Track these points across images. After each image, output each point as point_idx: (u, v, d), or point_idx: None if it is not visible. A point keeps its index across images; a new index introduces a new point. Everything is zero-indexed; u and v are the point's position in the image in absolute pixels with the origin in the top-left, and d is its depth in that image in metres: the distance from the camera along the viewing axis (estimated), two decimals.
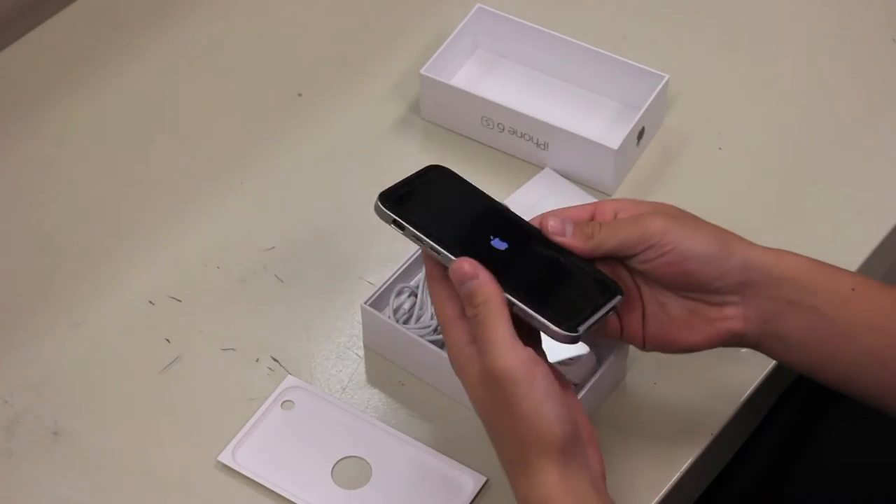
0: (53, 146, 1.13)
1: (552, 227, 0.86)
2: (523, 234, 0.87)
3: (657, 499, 0.93)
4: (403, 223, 0.86)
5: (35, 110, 1.16)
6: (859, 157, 1.13)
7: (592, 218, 0.89)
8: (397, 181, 0.88)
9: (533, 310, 0.82)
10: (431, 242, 0.85)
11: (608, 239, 0.86)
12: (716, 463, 1.02)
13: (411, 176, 0.89)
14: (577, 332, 0.82)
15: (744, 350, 0.98)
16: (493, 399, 0.81)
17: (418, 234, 0.85)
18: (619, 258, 0.87)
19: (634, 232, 0.86)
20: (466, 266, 0.82)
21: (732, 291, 0.87)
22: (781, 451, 1.07)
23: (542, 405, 0.80)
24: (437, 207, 0.87)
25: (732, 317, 0.87)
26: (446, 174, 0.90)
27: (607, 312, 0.85)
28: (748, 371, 0.99)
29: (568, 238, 0.86)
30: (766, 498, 1.06)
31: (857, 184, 1.11)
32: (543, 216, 0.87)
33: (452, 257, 0.84)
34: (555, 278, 0.86)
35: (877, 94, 1.18)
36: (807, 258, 0.88)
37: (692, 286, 0.87)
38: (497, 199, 0.89)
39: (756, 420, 1.05)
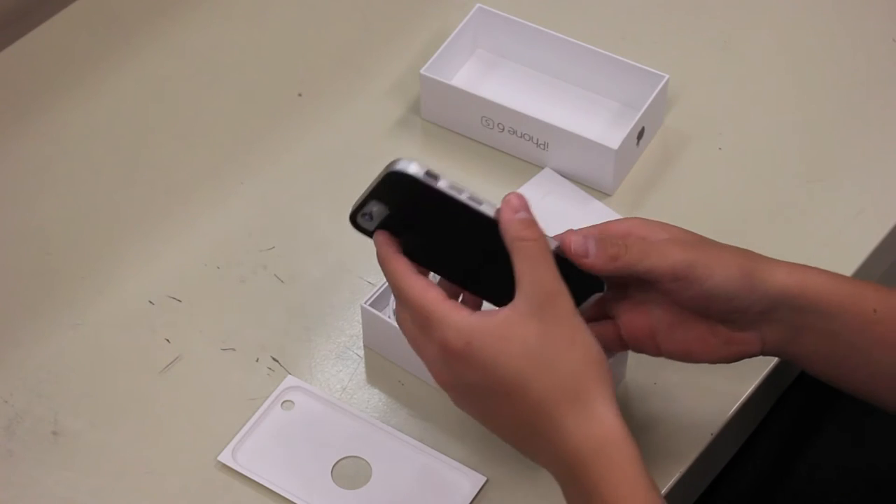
0: (53, 146, 1.13)
1: (576, 248, 0.84)
2: (487, 245, 0.82)
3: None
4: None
5: (35, 110, 1.16)
6: (859, 158, 1.13)
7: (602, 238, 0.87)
8: (360, 197, 0.84)
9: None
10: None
11: (635, 264, 0.84)
12: (716, 463, 1.02)
13: (374, 187, 0.83)
14: None
15: None
16: (542, 332, 0.78)
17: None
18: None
19: (660, 264, 0.84)
20: (521, 199, 0.80)
21: (752, 321, 0.86)
22: (781, 451, 1.07)
23: (584, 327, 0.79)
24: (404, 220, 0.83)
25: (751, 340, 0.87)
26: (407, 183, 0.82)
27: (585, 307, 0.85)
28: (748, 371, 0.99)
29: (592, 259, 0.84)
30: (766, 498, 1.06)
31: (856, 184, 1.11)
32: (564, 237, 0.84)
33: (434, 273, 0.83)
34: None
35: (877, 94, 1.18)
36: (829, 277, 0.87)
37: (714, 317, 0.87)
38: (464, 196, 0.83)
39: (756, 420, 1.05)
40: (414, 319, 0.81)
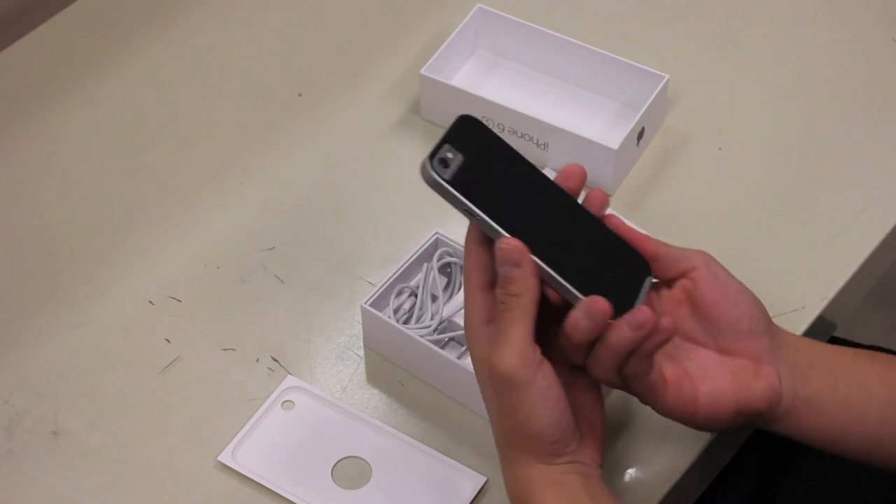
0: (53, 146, 1.13)
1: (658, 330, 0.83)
2: (559, 201, 0.84)
3: (657, 499, 0.93)
4: (456, 194, 0.81)
5: (35, 110, 1.16)
6: (859, 158, 1.13)
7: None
8: (437, 140, 0.82)
9: (577, 290, 0.82)
10: (482, 215, 0.81)
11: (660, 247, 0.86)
12: (716, 463, 1.02)
13: (448, 132, 0.82)
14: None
15: None
16: (491, 387, 0.82)
17: (469, 204, 0.81)
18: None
19: (677, 253, 0.86)
20: (514, 251, 0.80)
21: (768, 351, 0.87)
22: (782, 451, 1.07)
23: (533, 410, 0.81)
24: (479, 171, 0.82)
25: (769, 374, 0.87)
26: (478, 128, 0.83)
27: (643, 293, 0.84)
28: None
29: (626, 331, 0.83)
30: (767, 498, 1.06)
31: (856, 184, 1.11)
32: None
33: (503, 232, 0.81)
34: (590, 252, 0.83)
35: (877, 94, 1.18)
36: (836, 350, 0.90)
37: (724, 319, 0.87)
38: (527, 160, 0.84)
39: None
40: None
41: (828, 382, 0.87)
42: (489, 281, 0.83)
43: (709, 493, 1.03)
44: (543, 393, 0.80)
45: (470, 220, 0.82)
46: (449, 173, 0.81)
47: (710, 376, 0.85)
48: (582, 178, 0.84)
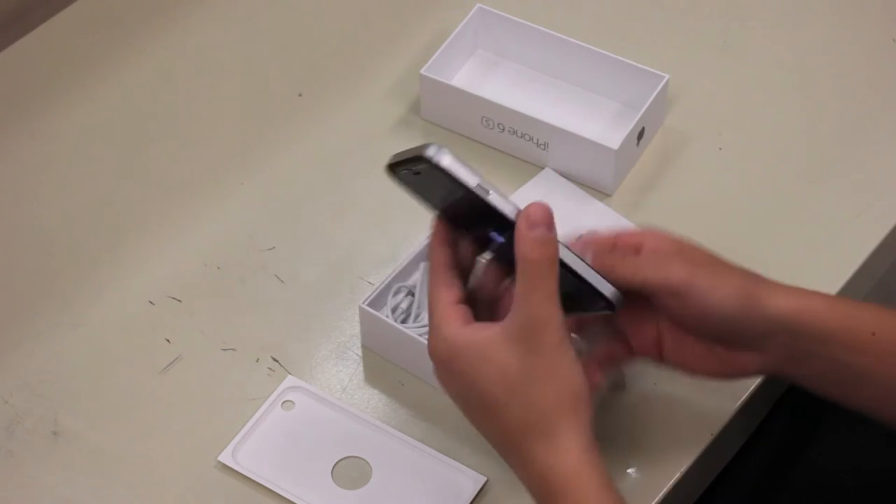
0: (53, 146, 1.13)
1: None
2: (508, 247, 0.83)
3: (657, 499, 0.93)
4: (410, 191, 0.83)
5: (35, 110, 1.16)
6: (859, 158, 1.13)
7: (614, 246, 0.87)
8: (405, 151, 0.84)
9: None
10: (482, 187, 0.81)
11: (630, 277, 0.84)
12: (716, 463, 1.02)
13: (411, 155, 0.83)
14: None
15: None
16: (522, 366, 0.79)
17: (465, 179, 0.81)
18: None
19: (656, 277, 0.85)
20: (544, 212, 0.79)
21: (748, 344, 0.87)
22: (782, 451, 1.07)
23: (573, 365, 0.79)
24: (439, 193, 0.83)
25: (748, 361, 0.88)
26: (436, 169, 0.83)
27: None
28: None
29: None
30: (767, 498, 1.06)
31: (856, 184, 1.11)
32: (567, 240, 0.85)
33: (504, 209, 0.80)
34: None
35: (877, 94, 1.18)
36: (827, 301, 0.87)
37: (709, 338, 0.87)
38: (490, 193, 0.83)
39: (756, 420, 1.05)
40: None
41: (818, 367, 0.87)
42: (457, 296, 0.82)
43: (709, 493, 1.03)
44: (570, 346, 0.80)
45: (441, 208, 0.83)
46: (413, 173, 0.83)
47: (678, 351, 0.87)
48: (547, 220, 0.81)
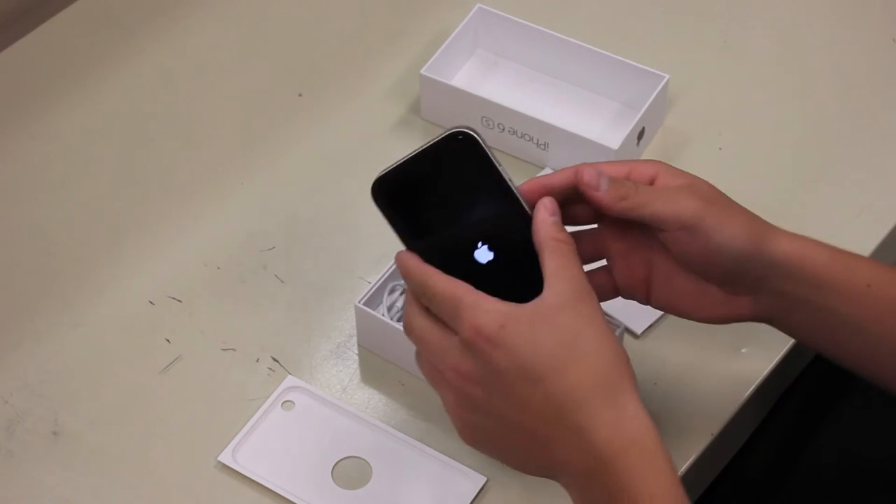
0: (53, 146, 1.13)
1: (588, 179, 0.83)
2: (516, 239, 0.83)
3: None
4: (388, 220, 0.83)
5: (35, 110, 1.16)
6: (859, 158, 1.13)
7: (628, 177, 0.86)
8: (407, 154, 0.84)
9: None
10: (405, 245, 0.82)
11: (641, 207, 0.83)
12: (716, 463, 1.02)
13: (426, 146, 0.84)
14: None
15: (744, 350, 0.98)
16: (576, 319, 0.78)
17: (400, 236, 0.83)
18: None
19: (668, 209, 0.83)
20: (554, 204, 0.82)
21: (748, 285, 0.86)
22: (782, 451, 1.07)
23: (608, 329, 0.79)
24: (430, 196, 0.83)
25: (742, 305, 0.87)
26: (464, 146, 0.83)
27: None
28: (749, 371, 0.99)
29: (601, 194, 0.83)
30: (767, 498, 1.06)
31: (856, 184, 1.11)
32: (580, 168, 0.84)
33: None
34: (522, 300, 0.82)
35: (877, 94, 1.18)
36: (827, 250, 0.87)
37: (711, 277, 0.86)
38: (512, 184, 0.84)
39: (757, 420, 1.05)
40: (442, 312, 0.80)
41: (812, 316, 0.87)
42: None
43: (709, 493, 1.03)
44: (602, 313, 0.79)
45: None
46: (392, 200, 0.83)
47: (670, 289, 0.87)
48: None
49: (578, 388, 0.77)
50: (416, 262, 0.81)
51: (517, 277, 0.82)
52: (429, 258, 0.82)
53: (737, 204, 0.86)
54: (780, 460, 1.07)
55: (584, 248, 0.85)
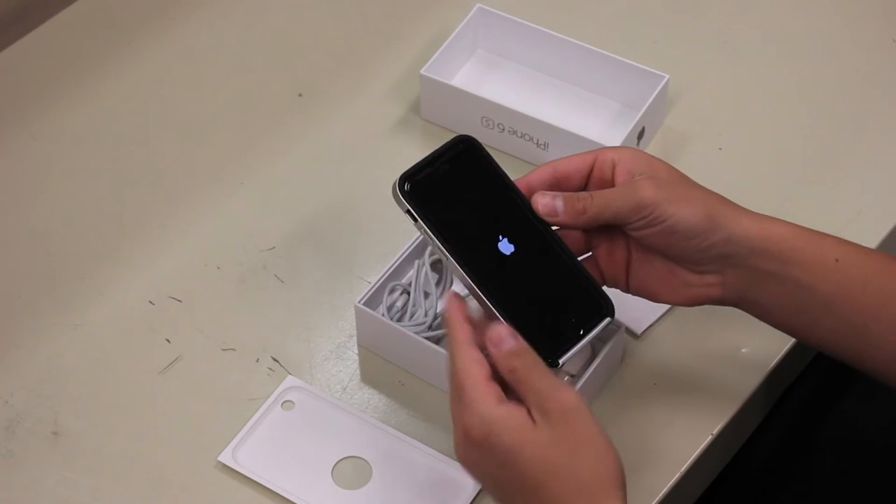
0: (53, 146, 1.13)
1: (543, 210, 0.87)
2: (531, 231, 0.88)
3: (658, 499, 0.93)
4: (417, 217, 0.86)
5: (35, 110, 1.16)
6: (859, 158, 1.13)
7: (592, 168, 0.89)
8: (422, 158, 0.87)
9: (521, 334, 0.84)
10: (438, 244, 0.86)
11: (602, 212, 0.87)
12: (716, 463, 1.02)
13: (438, 151, 0.88)
14: (558, 364, 0.85)
15: (744, 350, 0.98)
16: (554, 440, 0.80)
17: (428, 231, 0.86)
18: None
19: (627, 204, 0.86)
20: (503, 330, 0.82)
21: (712, 263, 0.87)
22: (782, 450, 1.07)
23: (603, 435, 0.80)
24: (453, 197, 0.87)
25: (711, 284, 0.88)
26: (471, 150, 0.89)
27: (593, 337, 0.87)
28: (749, 371, 0.99)
29: (560, 217, 0.87)
30: (766, 497, 1.06)
31: (857, 184, 1.11)
32: (534, 197, 0.88)
33: (458, 267, 0.85)
34: (549, 293, 0.87)
35: (877, 94, 1.18)
36: (792, 227, 0.88)
37: (674, 256, 0.88)
38: (513, 183, 0.89)
39: (757, 420, 1.05)
40: (453, 387, 0.83)
41: (781, 293, 0.88)
42: (488, 372, 0.82)
43: (709, 493, 1.03)
44: (588, 415, 0.81)
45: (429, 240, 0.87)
46: (416, 199, 0.86)
47: (642, 274, 0.90)
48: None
49: (560, 498, 0.79)
50: (456, 317, 0.84)
51: (538, 267, 0.87)
52: (454, 248, 0.85)
53: (698, 186, 0.88)
54: (781, 459, 1.07)
55: (574, 244, 0.89)
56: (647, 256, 0.89)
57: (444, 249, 0.86)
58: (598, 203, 0.86)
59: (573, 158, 0.89)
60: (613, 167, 0.88)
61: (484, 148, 0.89)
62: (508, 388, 0.82)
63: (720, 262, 0.87)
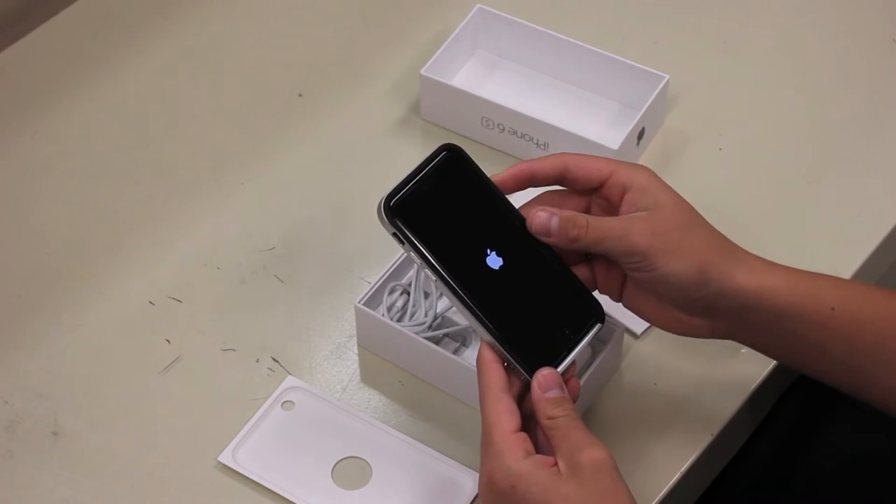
0: (53, 146, 1.14)
1: (536, 230, 0.87)
2: (518, 241, 0.87)
3: (658, 499, 0.93)
4: (403, 241, 0.86)
5: (35, 110, 1.16)
6: (859, 158, 1.13)
7: (610, 179, 0.88)
8: (407, 174, 0.87)
9: (511, 356, 0.84)
10: (426, 266, 0.85)
11: (593, 245, 0.87)
12: (716, 463, 1.02)
13: (422, 163, 0.87)
14: None
15: (744, 350, 0.98)
16: (581, 493, 0.80)
17: (415, 254, 0.85)
18: None
19: (619, 246, 0.86)
20: (553, 377, 0.83)
21: (703, 311, 0.88)
22: (782, 451, 1.07)
23: (628, 492, 0.80)
24: (438, 214, 0.86)
25: (700, 326, 0.89)
26: (456, 158, 0.88)
27: (585, 344, 0.87)
28: (749, 371, 0.99)
29: (552, 239, 0.87)
30: (766, 499, 1.06)
31: (857, 184, 1.11)
32: (532, 212, 0.87)
33: (447, 287, 0.85)
34: (539, 303, 0.87)
35: (877, 94, 1.18)
36: (788, 278, 0.87)
37: (665, 299, 0.88)
38: (499, 191, 0.89)
39: (758, 420, 1.05)
40: (483, 431, 0.83)
41: (774, 340, 0.88)
42: (518, 423, 0.83)
43: (709, 494, 1.03)
44: (612, 467, 0.81)
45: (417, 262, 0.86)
46: (401, 219, 0.85)
47: (636, 300, 0.90)
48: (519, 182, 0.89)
49: None
50: (490, 363, 0.84)
51: (528, 278, 0.87)
52: (445, 270, 0.85)
53: (698, 230, 0.88)
54: (780, 460, 1.07)
55: (573, 254, 0.89)
56: (640, 288, 0.89)
57: (430, 272, 0.85)
58: (592, 237, 0.86)
59: (589, 164, 0.88)
60: (623, 193, 0.88)
61: (468, 155, 0.88)
62: (531, 428, 0.83)
63: (711, 312, 0.87)
